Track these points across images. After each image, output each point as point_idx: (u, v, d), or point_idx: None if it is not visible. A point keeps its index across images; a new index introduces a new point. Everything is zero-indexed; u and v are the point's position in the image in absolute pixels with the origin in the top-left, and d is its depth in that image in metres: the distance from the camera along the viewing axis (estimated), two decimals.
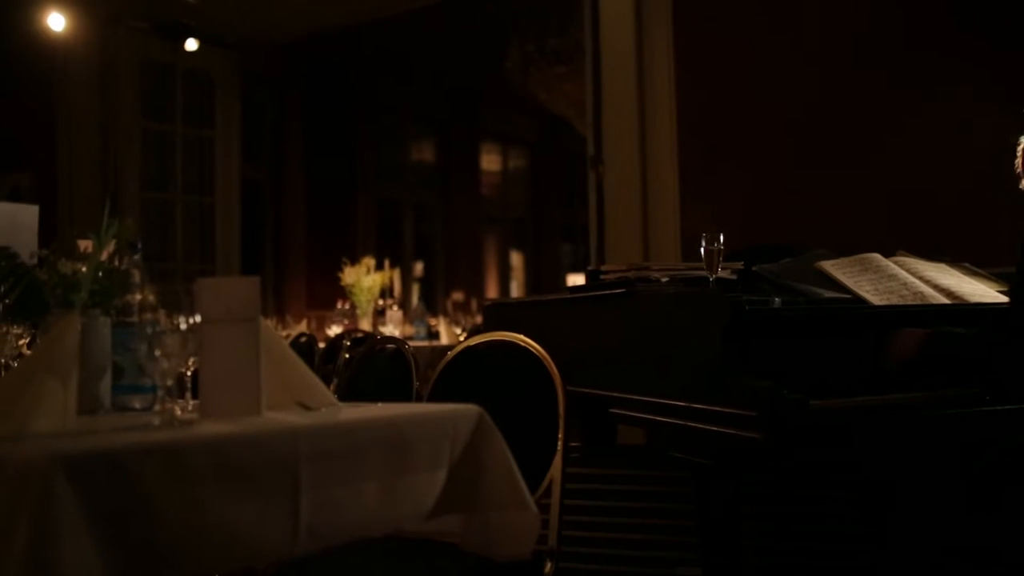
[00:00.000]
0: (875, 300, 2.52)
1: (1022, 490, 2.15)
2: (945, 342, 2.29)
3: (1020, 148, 2.42)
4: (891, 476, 2.88)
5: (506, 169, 13.35)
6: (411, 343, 3.74)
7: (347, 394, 2.56)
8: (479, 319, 6.86)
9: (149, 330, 1.54)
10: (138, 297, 1.77)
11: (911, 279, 2.63)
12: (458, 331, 6.37)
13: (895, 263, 2.70)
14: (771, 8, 4.73)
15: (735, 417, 2.18)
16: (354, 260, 6.73)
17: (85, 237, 1.89)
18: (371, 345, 2.99)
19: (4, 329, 1.79)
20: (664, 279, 2.81)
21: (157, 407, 1.59)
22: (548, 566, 2.05)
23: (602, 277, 3.02)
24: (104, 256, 1.85)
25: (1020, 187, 2.40)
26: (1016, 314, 2.27)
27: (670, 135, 4.91)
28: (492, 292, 12.44)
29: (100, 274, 1.83)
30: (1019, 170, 2.42)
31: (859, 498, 2.99)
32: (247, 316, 1.68)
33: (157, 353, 1.54)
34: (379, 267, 6.70)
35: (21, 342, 1.85)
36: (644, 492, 3.24)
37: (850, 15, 4.52)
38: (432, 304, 10.04)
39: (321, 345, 4.78)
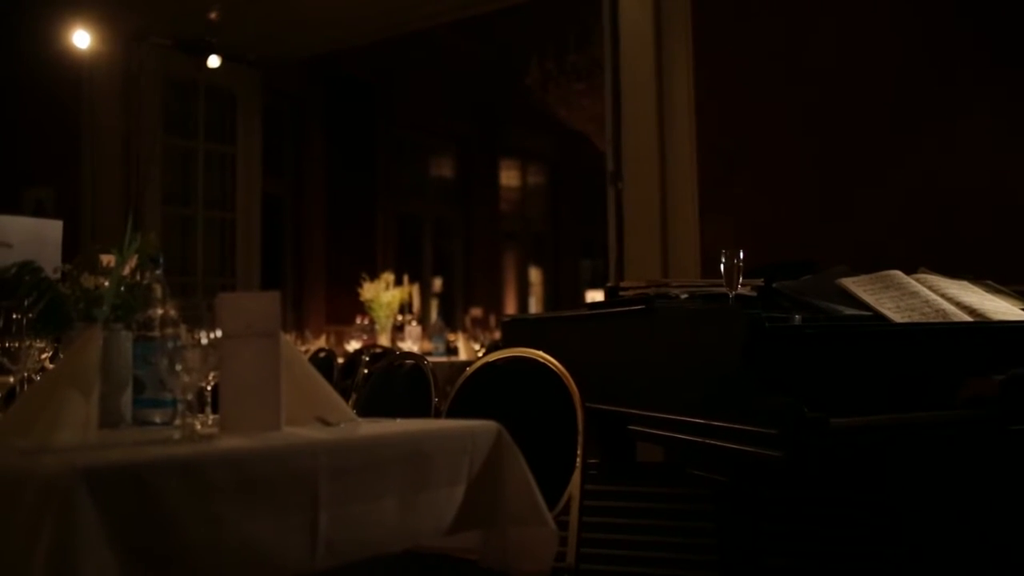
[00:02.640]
0: (896, 317, 2.50)
1: None
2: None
3: None
4: (913, 494, 2.85)
5: (525, 185, 13.36)
6: (430, 359, 3.74)
7: (366, 409, 2.56)
8: (498, 335, 6.87)
9: (170, 344, 1.55)
10: (159, 311, 1.78)
11: (933, 296, 2.61)
12: (477, 347, 6.38)
13: (917, 280, 2.69)
14: (791, 24, 4.72)
15: (755, 435, 2.17)
16: (373, 275, 6.76)
17: (108, 252, 1.91)
18: (390, 361, 2.99)
19: (27, 343, 1.80)
20: (684, 296, 2.81)
21: (177, 421, 1.60)
22: None
23: (621, 293, 3.02)
24: (126, 271, 1.87)
25: None
26: None
27: (690, 151, 4.91)
28: (511, 308, 12.43)
29: (122, 289, 1.84)
30: None
31: (881, 516, 2.96)
32: (267, 331, 1.68)
33: (178, 367, 1.55)
34: (398, 282, 6.72)
35: (44, 356, 1.87)
36: (663, 509, 3.22)
37: (871, 31, 4.51)
38: (451, 320, 10.04)
39: (340, 360, 4.79)
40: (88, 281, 1.85)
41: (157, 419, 1.82)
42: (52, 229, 2.18)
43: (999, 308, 2.64)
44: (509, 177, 13.04)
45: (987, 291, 2.77)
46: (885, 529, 2.95)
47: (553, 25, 8.29)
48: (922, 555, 2.83)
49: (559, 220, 13.30)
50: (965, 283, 2.76)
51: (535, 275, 13.53)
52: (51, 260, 1.97)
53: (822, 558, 3.00)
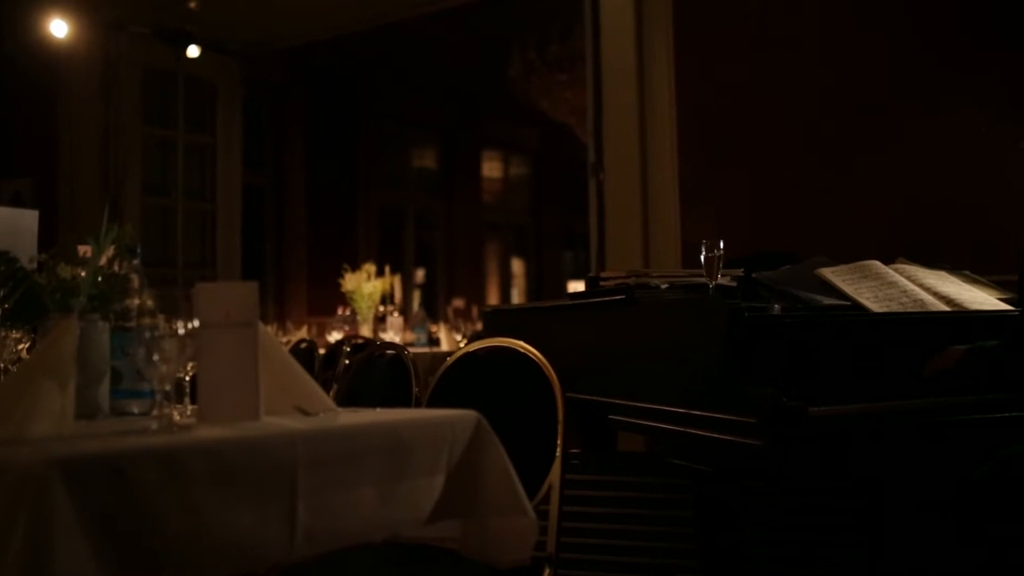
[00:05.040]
0: (875, 307, 2.52)
1: (1019, 496, 2.15)
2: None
3: None
4: (891, 481, 2.87)
5: (508, 176, 13.35)
6: (411, 349, 3.74)
7: (346, 400, 2.56)
8: (480, 326, 6.86)
9: (147, 335, 1.54)
10: (137, 302, 1.77)
11: (911, 286, 2.63)
12: (458, 337, 6.38)
13: (895, 270, 2.70)
14: (773, 14, 4.73)
15: (734, 424, 2.19)
16: (355, 266, 6.74)
17: (85, 242, 1.90)
18: (370, 351, 2.98)
19: (3, 333, 1.79)
20: (664, 286, 2.82)
21: (155, 412, 1.59)
22: (546, 572, 2.05)
23: (602, 284, 3.03)
24: (103, 261, 1.85)
25: None
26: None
27: (671, 142, 4.92)
28: (493, 299, 12.43)
29: (99, 279, 1.83)
30: None
31: (859, 504, 2.99)
32: (246, 321, 1.67)
33: (155, 358, 1.54)
34: (380, 273, 6.70)
35: (20, 346, 1.85)
36: (643, 499, 3.24)
37: (852, 21, 4.52)
38: (433, 311, 10.03)
39: (321, 351, 4.78)
40: (65, 271, 1.83)
41: (135, 410, 1.81)
42: (28, 219, 2.16)
43: (976, 298, 2.67)
44: (491, 168, 13.03)
45: (965, 281, 2.79)
46: (865, 517, 2.97)
47: (536, 17, 8.28)
48: (900, 542, 2.85)
49: (541, 211, 13.30)
50: (943, 273, 2.79)
51: (517, 266, 13.53)
52: (27, 250, 1.95)
53: (802, 545, 3.02)
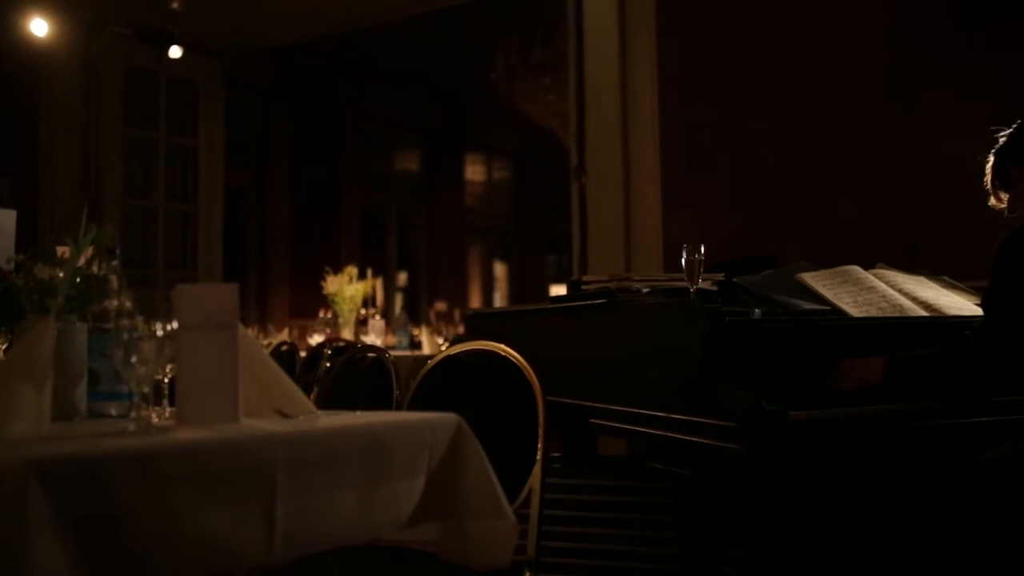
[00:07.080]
0: (854, 312, 2.53)
1: (1000, 499, 2.17)
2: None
3: (988, 166, 2.48)
4: (871, 485, 2.89)
5: (491, 179, 13.35)
6: (393, 352, 3.73)
7: (327, 403, 2.55)
8: (461, 329, 6.86)
9: (125, 336, 1.53)
10: (115, 303, 1.76)
11: (890, 291, 2.64)
12: (440, 341, 6.36)
13: (874, 275, 2.72)
14: (755, 20, 4.75)
15: (715, 428, 2.19)
16: (337, 269, 6.71)
17: (63, 242, 1.88)
18: (351, 354, 2.97)
19: None
20: (645, 290, 2.82)
21: (133, 414, 1.58)
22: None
23: (583, 287, 3.03)
24: (82, 262, 1.84)
25: (989, 204, 2.46)
26: (997, 326, 2.29)
27: (653, 146, 4.93)
28: (475, 302, 12.42)
29: (77, 280, 1.81)
30: (988, 187, 2.47)
31: (838, 508, 3.00)
32: (225, 323, 1.67)
33: (133, 359, 1.53)
34: (362, 276, 6.68)
35: None
36: (624, 503, 3.24)
37: (836, 26, 4.55)
38: (415, 314, 10.00)
39: (302, 354, 4.75)
40: (42, 272, 1.82)
41: (113, 412, 1.79)
42: (6, 218, 2.14)
43: (954, 303, 2.69)
44: (474, 171, 13.03)
45: (943, 287, 2.81)
46: (845, 521, 2.99)
47: (519, 20, 8.29)
48: (881, 546, 2.87)
49: (524, 215, 13.30)
50: (922, 279, 2.81)
51: (500, 270, 13.53)
52: (5, 250, 1.93)
53: (782, 550, 3.03)
